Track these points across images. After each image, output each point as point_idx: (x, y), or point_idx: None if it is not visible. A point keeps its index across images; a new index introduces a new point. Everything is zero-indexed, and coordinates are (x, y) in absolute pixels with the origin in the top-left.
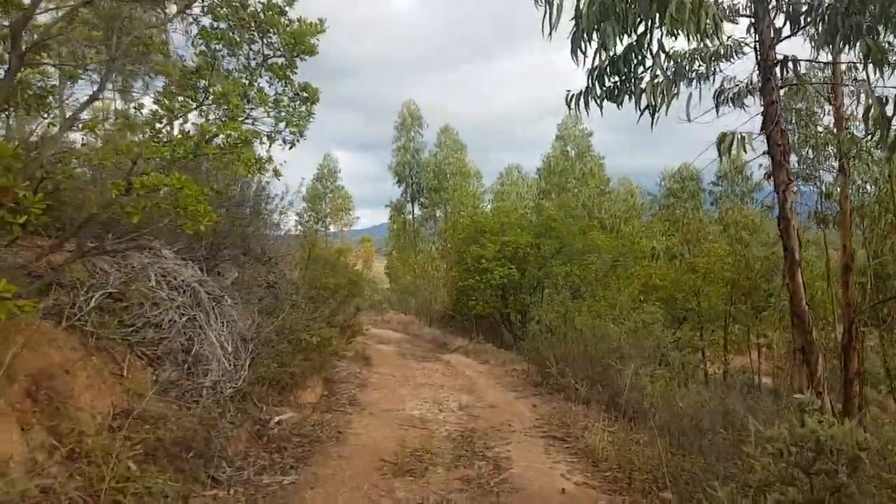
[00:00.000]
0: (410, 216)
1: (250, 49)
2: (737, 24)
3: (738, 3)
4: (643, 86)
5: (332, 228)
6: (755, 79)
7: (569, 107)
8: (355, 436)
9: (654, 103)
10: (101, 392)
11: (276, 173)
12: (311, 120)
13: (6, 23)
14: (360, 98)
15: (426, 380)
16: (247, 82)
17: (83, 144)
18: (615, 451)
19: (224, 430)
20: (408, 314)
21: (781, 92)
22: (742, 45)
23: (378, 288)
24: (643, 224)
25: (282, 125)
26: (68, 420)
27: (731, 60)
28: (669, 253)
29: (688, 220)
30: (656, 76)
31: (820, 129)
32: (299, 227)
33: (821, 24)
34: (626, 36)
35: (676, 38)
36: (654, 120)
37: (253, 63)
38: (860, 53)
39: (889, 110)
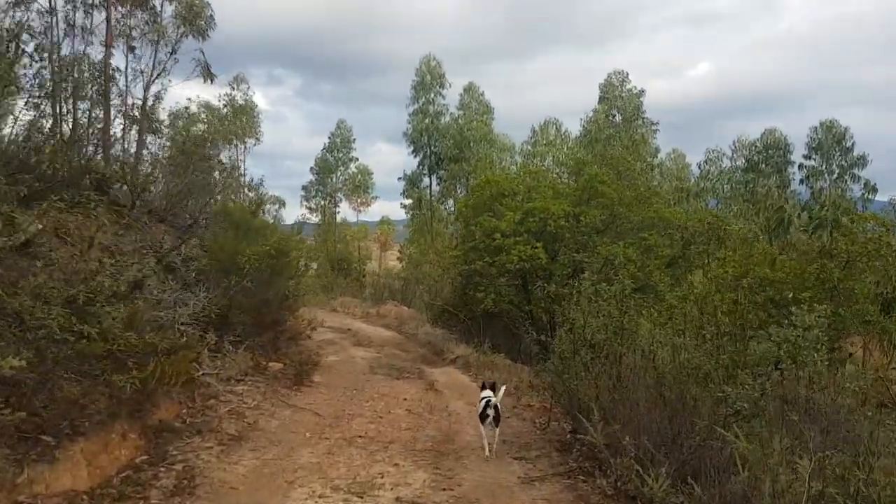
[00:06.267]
0: (427, 192)
1: None
2: None
3: None
4: None
5: (343, 206)
6: None
7: None
8: None
9: None
10: None
11: None
12: None
13: None
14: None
15: (369, 425)
16: None
17: None
18: None
19: None
20: (411, 307)
21: None
22: None
23: (391, 274)
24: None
25: None
26: None
27: None
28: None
29: (773, 200)
30: None
31: None
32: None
33: None
34: None
35: None
36: None
37: None
38: None
39: None
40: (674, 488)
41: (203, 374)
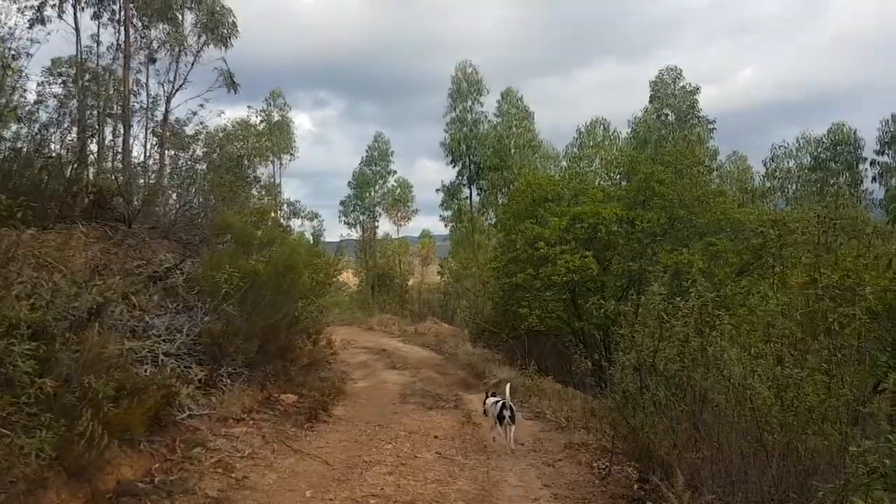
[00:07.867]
0: (467, 203)
1: None
2: None
3: None
4: None
5: (383, 221)
6: None
7: None
8: None
9: None
10: None
11: None
12: None
13: None
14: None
15: (388, 477)
16: None
17: None
18: None
19: None
20: (452, 324)
21: None
22: None
23: (431, 289)
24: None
25: None
26: None
27: None
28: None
29: (843, 199)
30: None
31: None
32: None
33: None
34: None
35: None
36: None
37: None
38: None
39: None
40: None
41: (188, 416)
